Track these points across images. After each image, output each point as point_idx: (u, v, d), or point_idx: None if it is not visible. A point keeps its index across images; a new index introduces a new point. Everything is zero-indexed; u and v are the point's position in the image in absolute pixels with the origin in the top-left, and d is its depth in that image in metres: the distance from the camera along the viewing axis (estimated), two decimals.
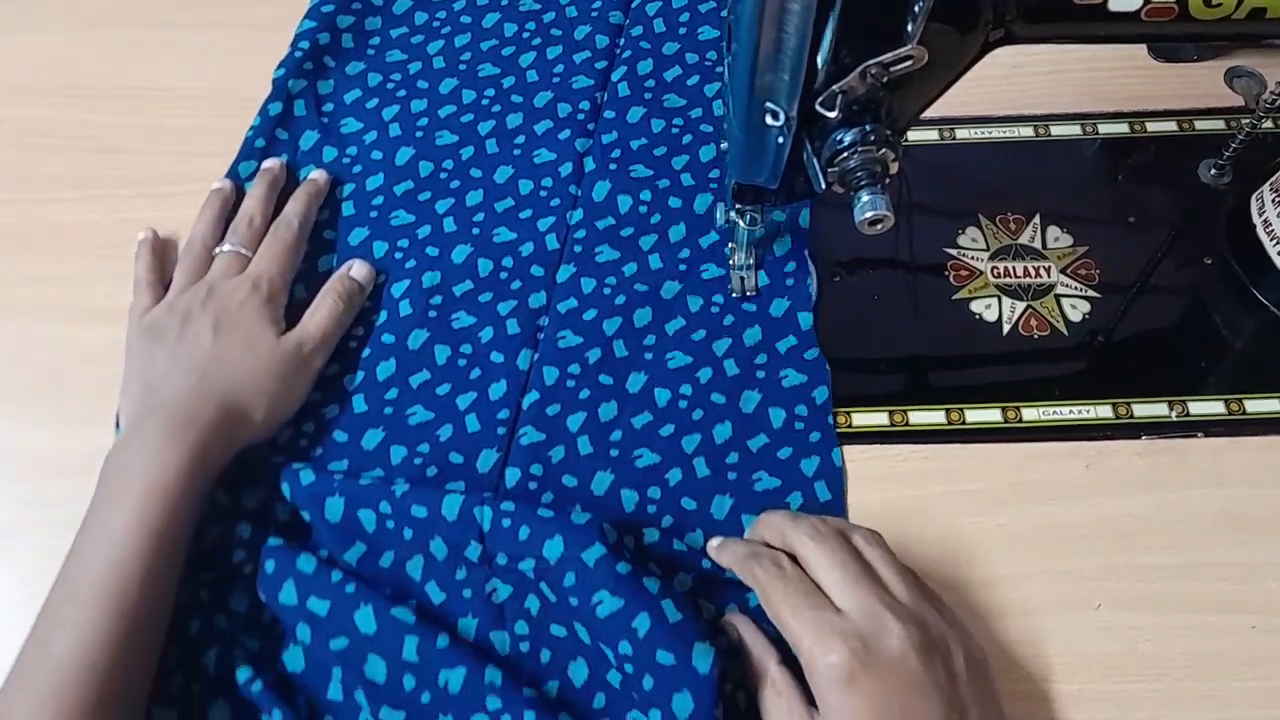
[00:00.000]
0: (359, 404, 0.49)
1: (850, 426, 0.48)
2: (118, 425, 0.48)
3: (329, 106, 0.60)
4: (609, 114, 0.59)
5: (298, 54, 0.60)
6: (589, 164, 0.57)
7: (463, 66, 0.62)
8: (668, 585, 0.40)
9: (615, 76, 0.61)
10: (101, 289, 0.54)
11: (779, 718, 0.37)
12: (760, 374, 0.49)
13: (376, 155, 0.58)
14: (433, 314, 0.52)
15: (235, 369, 0.46)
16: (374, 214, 0.56)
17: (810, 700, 0.36)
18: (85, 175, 0.59)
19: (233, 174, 0.56)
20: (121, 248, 0.55)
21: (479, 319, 0.52)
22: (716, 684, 0.37)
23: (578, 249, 0.54)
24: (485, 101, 0.60)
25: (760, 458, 0.47)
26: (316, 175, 0.56)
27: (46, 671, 0.37)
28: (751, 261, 0.51)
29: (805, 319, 0.50)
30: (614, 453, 0.47)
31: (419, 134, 0.59)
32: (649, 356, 0.50)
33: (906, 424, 0.48)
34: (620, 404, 0.48)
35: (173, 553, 0.41)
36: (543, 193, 0.56)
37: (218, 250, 0.52)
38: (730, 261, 0.52)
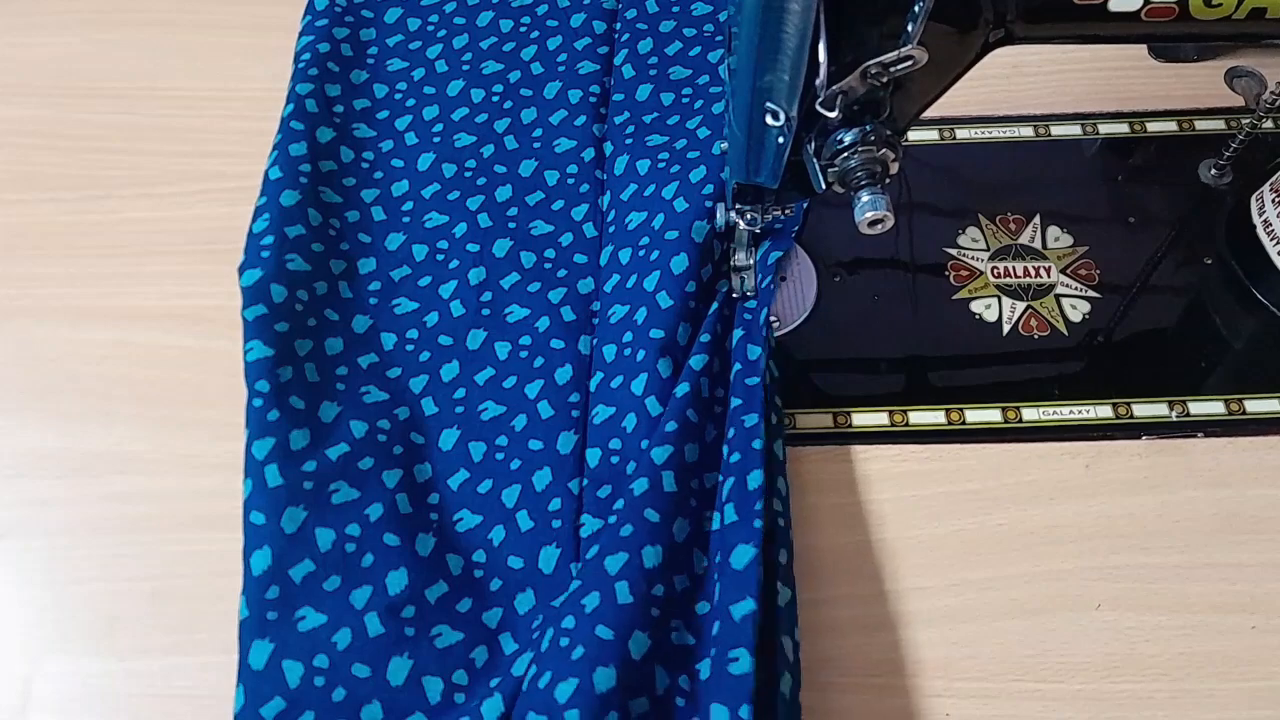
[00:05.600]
0: (429, 406, 0.49)
1: (850, 426, 0.48)
2: None
3: (339, 108, 0.59)
4: (617, 96, 0.59)
5: (300, 64, 0.59)
6: (607, 148, 0.57)
7: (466, 67, 0.61)
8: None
9: (617, 61, 0.60)
10: (102, 289, 0.54)
11: None
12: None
13: (397, 163, 0.57)
14: (486, 311, 0.52)
15: None
16: (406, 219, 0.55)
17: None
18: (85, 175, 0.59)
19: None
20: (122, 248, 0.55)
21: (533, 310, 0.52)
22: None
23: (612, 229, 0.54)
24: (495, 99, 0.60)
25: None
26: None
27: None
28: (751, 261, 0.51)
29: (753, 350, 0.49)
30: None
31: (436, 139, 0.58)
32: (692, 305, 0.49)
33: (906, 424, 0.48)
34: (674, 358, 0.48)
35: None
36: (570, 180, 0.56)
37: None
38: (731, 262, 0.52)
